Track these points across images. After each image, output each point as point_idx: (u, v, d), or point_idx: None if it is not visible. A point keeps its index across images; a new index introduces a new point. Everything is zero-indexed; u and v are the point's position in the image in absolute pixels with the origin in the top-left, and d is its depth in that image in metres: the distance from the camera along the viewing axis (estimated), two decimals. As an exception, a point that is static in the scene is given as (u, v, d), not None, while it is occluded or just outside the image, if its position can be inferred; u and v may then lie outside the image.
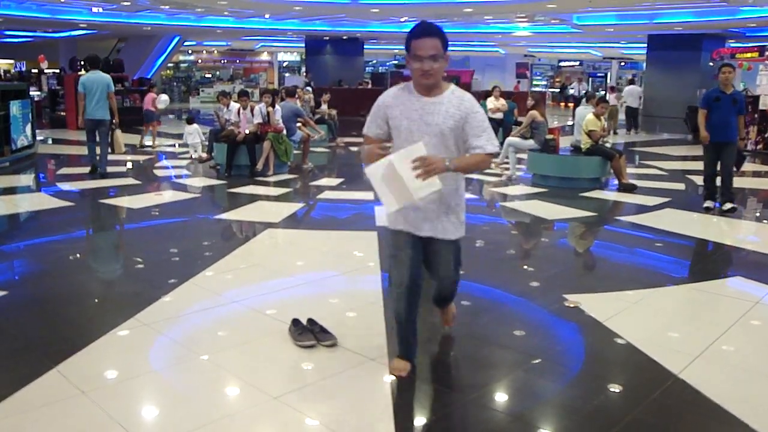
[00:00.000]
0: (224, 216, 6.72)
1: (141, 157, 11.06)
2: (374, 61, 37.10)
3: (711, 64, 17.68)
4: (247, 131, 8.91)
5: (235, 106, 9.53)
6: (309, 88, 16.12)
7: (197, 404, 2.77)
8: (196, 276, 4.48)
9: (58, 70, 19.78)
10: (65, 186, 8.25)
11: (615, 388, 2.98)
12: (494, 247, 5.68)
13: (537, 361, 3.26)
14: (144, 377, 3.02)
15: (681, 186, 8.88)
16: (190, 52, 34.58)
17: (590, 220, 6.82)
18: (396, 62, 35.18)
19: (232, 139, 8.92)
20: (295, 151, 9.61)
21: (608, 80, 34.02)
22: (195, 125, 11.14)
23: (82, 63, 13.81)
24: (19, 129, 10.16)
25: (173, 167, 10.22)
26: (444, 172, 2.67)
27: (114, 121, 9.11)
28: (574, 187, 8.25)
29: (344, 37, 22.97)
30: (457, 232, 2.95)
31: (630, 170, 9.27)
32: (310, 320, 3.52)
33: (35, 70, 21.11)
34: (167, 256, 5.11)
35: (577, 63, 35.82)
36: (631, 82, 19.37)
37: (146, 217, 6.69)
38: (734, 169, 7.21)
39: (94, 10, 16.59)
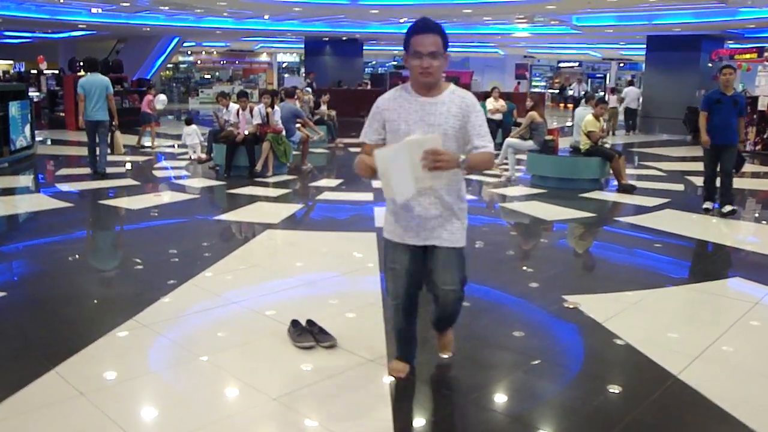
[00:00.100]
0: (223, 217, 6.72)
1: (140, 158, 11.06)
2: (373, 62, 37.10)
3: (710, 65, 17.68)
4: (246, 132, 8.91)
5: (234, 107, 9.53)
6: (309, 89, 16.11)
7: (196, 405, 2.76)
8: (195, 277, 4.48)
9: (57, 71, 19.76)
10: (64, 187, 8.25)
11: (614, 389, 2.98)
12: (493, 248, 5.68)
13: (536, 362, 3.26)
14: (143, 378, 3.02)
15: (680, 187, 8.88)
16: (189, 53, 34.58)
17: (589, 221, 6.83)
18: (395, 63, 35.16)
19: (231, 140, 8.92)
20: (295, 152, 9.61)
21: (607, 81, 34.05)
22: (193, 126, 11.14)
23: (82, 64, 13.83)
24: (18, 130, 10.16)
25: (172, 168, 10.22)
26: (455, 168, 2.57)
27: (113, 122, 9.17)
28: (573, 188, 8.25)
29: (343, 38, 22.95)
30: (461, 238, 2.80)
31: (629, 171, 9.27)
32: (309, 321, 3.51)
33: (34, 71, 21.09)
34: (166, 257, 5.11)
35: (577, 64, 35.83)
36: (630, 83, 19.44)
37: (145, 217, 6.68)
38: (734, 171, 7.19)
39: (94, 11, 16.57)
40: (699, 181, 7.65)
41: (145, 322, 3.64)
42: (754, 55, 15.51)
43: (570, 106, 25.90)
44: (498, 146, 8.11)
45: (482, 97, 12.75)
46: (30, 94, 13.10)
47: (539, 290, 4.41)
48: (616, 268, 5.24)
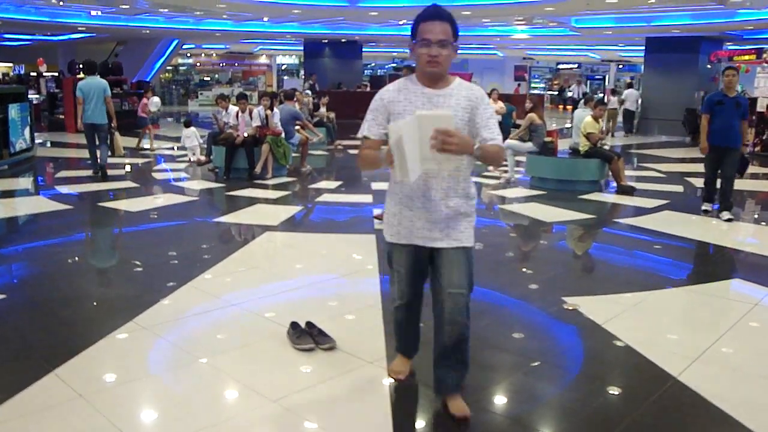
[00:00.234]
0: (223, 219, 6.72)
1: (140, 160, 11.06)
2: (373, 64, 37.15)
3: (709, 66, 17.73)
4: (245, 134, 8.92)
5: (233, 109, 9.54)
6: (309, 92, 16.12)
7: (196, 407, 2.76)
8: (194, 279, 4.48)
9: (56, 74, 19.79)
10: (64, 189, 8.25)
11: (614, 391, 2.98)
12: (493, 249, 5.68)
13: (536, 363, 3.26)
14: (142, 380, 3.02)
15: (679, 188, 8.89)
16: (188, 55, 34.61)
17: (589, 222, 6.83)
18: (395, 65, 35.24)
19: (230, 142, 8.92)
20: (294, 154, 9.61)
21: (606, 83, 34.11)
22: (192, 128, 11.15)
23: (81, 67, 13.85)
24: (17, 132, 10.16)
25: (172, 170, 10.22)
26: (465, 154, 2.41)
27: (112, 124, 9.20)
28: (572, 189, 8.26)
29: (343, 40, 22.98)
30: (470, 237, 2.66)
31: (628, 172, 9.28)
32: (308, 323, 3.51)
33: (34, 74, 21.12)
34: (166, 259, 5.11)
35: (576, 66, 35.88)
36: (630, 85, 19.52)
37: (145, 220, 6.68)
38: (737, 175, 7.14)
39: (93, 13, 16.58)
40: (698, 182, 7.66)
41: (145, 324, 3.64)
42: (753, 57, 15.55)
43: (569, 107, 25.93)
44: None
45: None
46: (29, 96, 13.11)
47: (539, 292, 4.41)
48: (616, 270, 5.25)
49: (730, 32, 16.70)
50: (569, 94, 28.09)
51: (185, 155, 11.12)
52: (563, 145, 9.89)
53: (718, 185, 6.93)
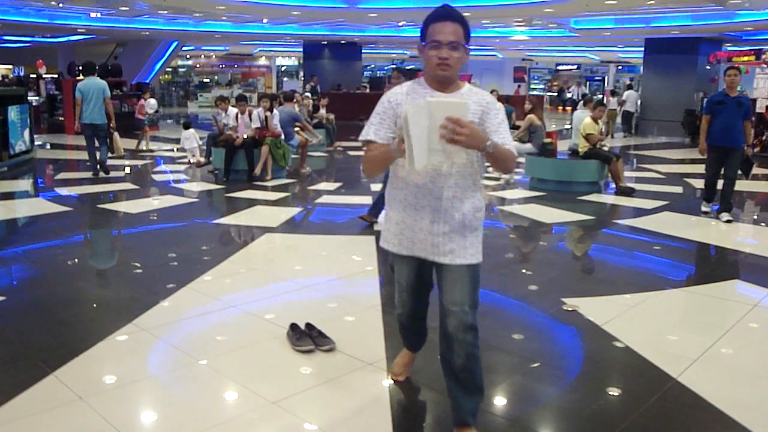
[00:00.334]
0: (222, 220, 6.72)
1: (139, 162, 11.07)
2: (372, 66, 37.15)
3: (708, 67, 17.77)
4: (245, 136, 8.92)
5: (233, 110, 9.55)
6: (309, 94, 16.11)
7: (196, 409, 2.76)
8: (194, 281, 4.48)
9: (56, 75, 19.78)
10: (63, 191, 8.25)
11: (614, 392, 2.98)
12: (492, 250, 5.66)
13: (535, 364, 3.26)
14: (142, 382, 3.02)
15: (679, 189, 8.89)
16: (188, 56, 34.63)
17: (588, 223, 6.83)
18: (394, 67, 35.22)
19: (230, 144, 8.93)
20: (293, 156, 9.62)
21: (606, 84, 34.15)
22: (191, 130, 11.16)
23: (81, 68, 13.86)
24: (17, 134, 10.16)
25: (171, 172, 10.23)
26: (477, 149, 2.24)
27: (111, 125, 9.22)
28: (571, 190, 8.26)
29: (342, 42, 23.02)
30: (476, 253, 2.47)
31: (627, 174, 9.29)
32: (308, 325, 3.52)
33: (33, 75, 21.11)
34: (165, 261, 5.11)
35: (575, 67, 35.92)
36: (630, 87, 19.54)
37: (144, 221, 6.68)
38: (740, 174, 7.11)
39: (93, 15, 16.61)
40: (698, 183, 7.67)
41: (145, 325, 3.64)
42: (752, 58, 15.56)
43: (568, 109, 25.95)
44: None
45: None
46: (29, 98, 13.11)
47: (538, 293, 4.41)
48: (615, 271, 5.24)
49: (729, 33, 16.75)
50: (568, 95, 28.15)
51: (185, 157, 11.13)
52: (562, 146, 9.90)
53: (719, 186, 6.91)
